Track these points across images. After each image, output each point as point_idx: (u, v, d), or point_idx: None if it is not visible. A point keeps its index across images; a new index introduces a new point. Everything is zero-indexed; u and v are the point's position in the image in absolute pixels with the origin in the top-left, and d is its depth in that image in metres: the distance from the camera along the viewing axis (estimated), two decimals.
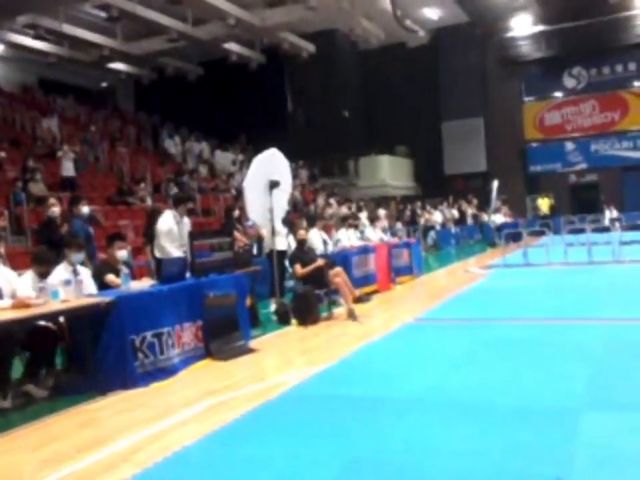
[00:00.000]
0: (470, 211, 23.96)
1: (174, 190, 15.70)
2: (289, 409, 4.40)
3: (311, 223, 9.96)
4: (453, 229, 21.97)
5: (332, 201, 19.87)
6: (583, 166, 26.90)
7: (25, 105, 19.65)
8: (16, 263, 7.03)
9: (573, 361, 5.18)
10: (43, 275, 5.46)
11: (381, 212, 16.97)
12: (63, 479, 3.39)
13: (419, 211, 20.87)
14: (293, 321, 7.82)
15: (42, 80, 23.90)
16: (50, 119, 17.27)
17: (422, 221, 20.42)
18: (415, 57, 26.53)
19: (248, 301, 7.02)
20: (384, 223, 13.97)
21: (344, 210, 16.75)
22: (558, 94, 27.54)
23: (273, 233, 8.53)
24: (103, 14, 17.95)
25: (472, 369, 5.15)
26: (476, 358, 5.55)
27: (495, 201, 22.13)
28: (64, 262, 5.71)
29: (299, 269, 8.17)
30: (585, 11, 23.74)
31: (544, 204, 24.46)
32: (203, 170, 20.08)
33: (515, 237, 16.61)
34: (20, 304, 4.79)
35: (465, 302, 9.13)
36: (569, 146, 27.12)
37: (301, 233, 8.59)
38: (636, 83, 26.30)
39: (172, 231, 7.06)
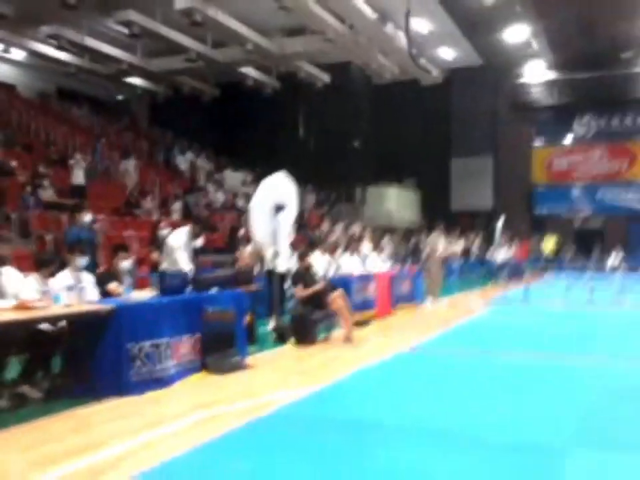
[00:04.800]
0: (474, 246, 23.99)
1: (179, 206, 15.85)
2: (277, 428, 4.41)
3: (313, 246, 10.02)
4: (457, 263, 21.95)
5: (337, 227, 19.93)
6: (589, 212, 27.00)
7: (42, 112, 19.93)
8: (21, 266, 7.08)
9: (566, 398, 5.23)
10: (47, 278, 5.55)
11: (386, 240, 17.01)
12: None
13: (422, 245, 20.88)
14: (290, 341, 7.86)
15: (60, 89, 24.28)
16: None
17: (425, 253, 20.42)
18: (428, 94, 26.73)
19: (247, 318, 7.06)
20: (388, 250, 14.04)
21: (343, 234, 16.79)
22: (567, 140, 27.75)
23: (275, 254, 8.62)
24: (125, 30, 18.28)
25: (464, 401, 5.16)
26: (469, 390, 5.57)
27: (499, 237, 22.15)
28: (68, 267, 5.78)
29: (300, 290, 8.24)
30: (598, 62, 24.11)
31: (549, 242, 24.42)
32: (212, 188, 20.24)
33: (517, 274, 16.64)
34: (22, 306, 4.83)
35: (461, 335, 9.16)
36: (576, 192, 27.25)
37: (307, 260, 8.67)
38: None
39: (185, 247, 7.20)
